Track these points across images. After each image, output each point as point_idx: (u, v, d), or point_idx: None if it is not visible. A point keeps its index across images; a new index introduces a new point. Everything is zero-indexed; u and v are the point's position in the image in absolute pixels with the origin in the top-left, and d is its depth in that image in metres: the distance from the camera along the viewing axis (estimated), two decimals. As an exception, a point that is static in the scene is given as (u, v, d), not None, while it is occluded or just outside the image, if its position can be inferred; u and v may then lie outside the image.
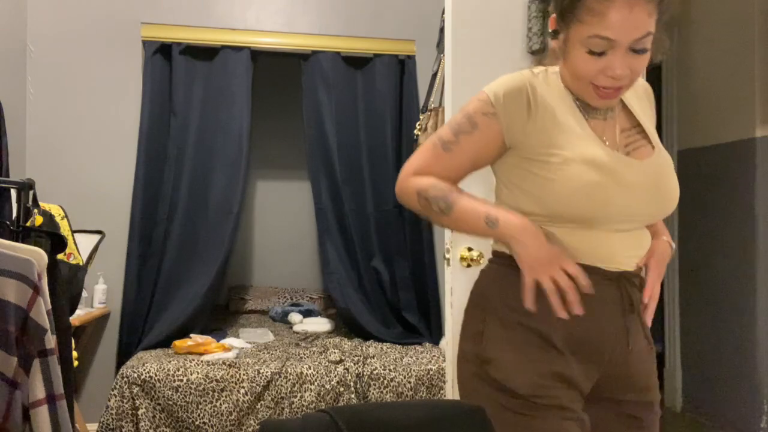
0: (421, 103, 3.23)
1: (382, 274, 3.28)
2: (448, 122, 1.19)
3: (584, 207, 1.08)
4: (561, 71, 1.16)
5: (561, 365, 1.09)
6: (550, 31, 1.16)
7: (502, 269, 1.16)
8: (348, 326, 3.30)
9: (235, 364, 2.62)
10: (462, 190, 1.17)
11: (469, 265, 1.83)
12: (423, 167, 1.17)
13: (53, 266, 1.45)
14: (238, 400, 2.52)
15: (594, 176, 1.07)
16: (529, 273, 1.07)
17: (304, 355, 2.82)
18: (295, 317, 3.55)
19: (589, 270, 1.09)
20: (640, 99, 1.24)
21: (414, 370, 2.71)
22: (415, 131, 2.87)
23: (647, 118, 1.22)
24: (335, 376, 2.62)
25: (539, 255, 1.06)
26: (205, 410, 2.50)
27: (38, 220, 1.71)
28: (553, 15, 1.12)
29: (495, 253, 1.20)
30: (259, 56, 3.38)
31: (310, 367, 2.64)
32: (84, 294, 2.78)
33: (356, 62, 3.41)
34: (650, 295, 1.17)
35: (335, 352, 2.80)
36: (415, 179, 1.16)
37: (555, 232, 1.11)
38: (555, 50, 1.16)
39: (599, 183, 1.07)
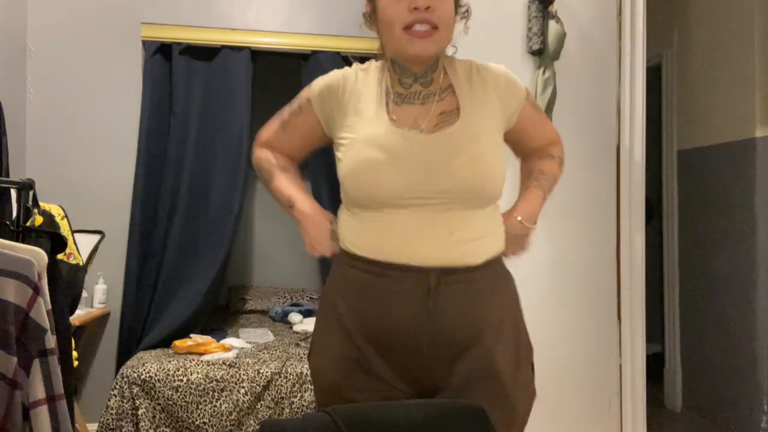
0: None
1: (382, 274, 3.27)
2: (292, 100, 1.34)
3: (361, 184, 1.13)
4: (386, 54, 1.24)
5: (358, 354, 1.14)
6: (363, 12, 1.25)
7: (336, 262, 1.24)
8: (348, 326, 3.29)
9: (235, 364, 2.62)
10: (289, 169, 1.32)
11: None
12: (269, 140, 1.36)
13: (53, 266, 1.45)
14: (238, 400, 2.52)
15: (369, 152, 1.12)
16: (309, 251, 1.25)
17: (304, 355, 2.82)
18: (295, 317, 3.55)
19: (390, 267, 1.12)
20: (483, 87, 1.22)
21: (414, 370, 2.71)
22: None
23: (482, 102, 1.20)
24: (335, 376, 2.62)
25: (311, 243, 1.24)
26: (205, 410, 2.50)
27: (38, 220, 1.72)
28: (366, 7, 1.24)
29: (342, 249, 1.24)
30: (259, 56, 3.38)
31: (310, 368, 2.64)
32: (84, 294, 2.78)
33: (356, 62, 3.41)
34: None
35: (335, 352, 2.80)
36: (260, 150, 1.36)
37: (361, 220, 1.16)
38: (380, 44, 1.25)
39: (373, 158, 1.12)
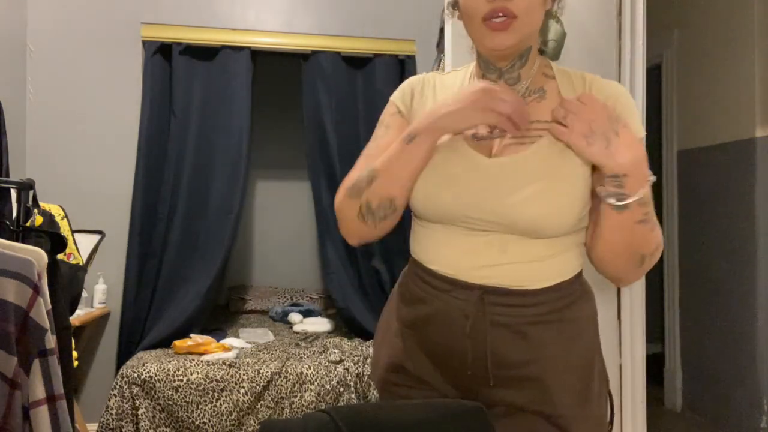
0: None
1: (382, 274, 3.28)
2: (375, 130, 1.20)
3: (417, 198, 1.08)
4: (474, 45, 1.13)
5: (409, 362, 1.12)
6: (448, 2, 1.14)
7: (407, 267, 1.21)
8: (348, 326, 3.30)
9: (235, 364, 2.62)
10: None
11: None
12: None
13: (53, 266, 1.45)
14: (238, 400, 2.52)
15: (427, 169, 1.06)
16: (483, 119, 0.98)
17: (304, 355, 2.82)
18: (295, 317, 3.55)
19: (440, 278, 1.07)
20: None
21: (414, 370, 2.71)
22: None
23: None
24: (335, 376, 2.62)
25: (467, 96, 0.98)
26: (205, 410, 2.50)
27: (38, 220, 1.72)
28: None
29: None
30: (259, 56, 3.38)
31: (310, 367, 2.64)
32: (84, 294, 2.78)
33: (356, 62, 3.41)
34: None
35: (335, 352, 2.80)
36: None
37: (422, 229, 1.13)
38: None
39: (428, 176, 1.05)
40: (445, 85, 1.16)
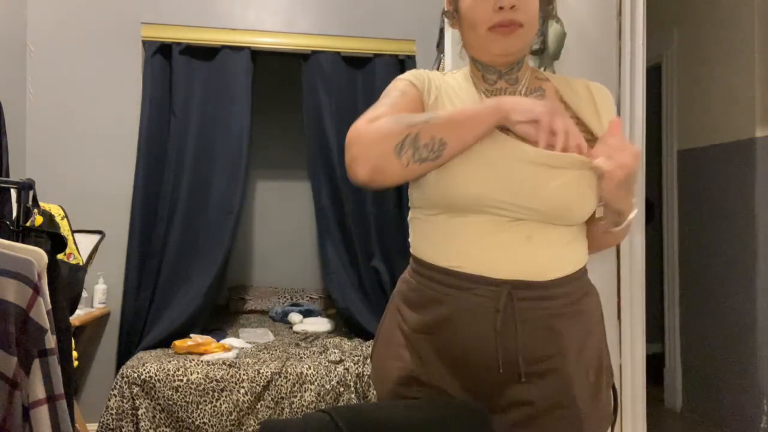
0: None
1: (382, 274, 3.28)
2: (386, 94, 1.14)
3: (442, 184, 1.03)
4: (468, 52, 1.17)
5: (422, 372, 1.08)
6: (446, 11, 1.19)
7: (408, 270, 1.17)
8: (348, 326, 3.30)
9: (235, 364, 2.62)
10: None
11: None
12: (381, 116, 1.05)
13: (53, 266, 1.45)
14: (238, 400, 2.52)
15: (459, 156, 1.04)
16: (536, 116, 0.99)
17: (304, 355, 2.82)
18: (295, 317, 3.55)
19: (459, 276, 1.04)
20: (583, 99, 1.16)
21: (414, 370, 2.71)
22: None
23: (588, 117, 1.14)
24: (335, 376, 2.62)
25: (539, 107, 1.00)
26: (205, 410, 2.50)
27: (38, 220, 1.71)
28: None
29: (411, 255, 1.18)
30: (259, 56, 3.38)
31: (310, 367, 2.64)
32: (84, 294, 2.78)
33: (356, 62, 3.41)
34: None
35: (335, 352, 2.80)
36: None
37: (432, 224, 1.08)
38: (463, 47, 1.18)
39: (461, 159, 1.01)
40: (447, 83, 1.17)
